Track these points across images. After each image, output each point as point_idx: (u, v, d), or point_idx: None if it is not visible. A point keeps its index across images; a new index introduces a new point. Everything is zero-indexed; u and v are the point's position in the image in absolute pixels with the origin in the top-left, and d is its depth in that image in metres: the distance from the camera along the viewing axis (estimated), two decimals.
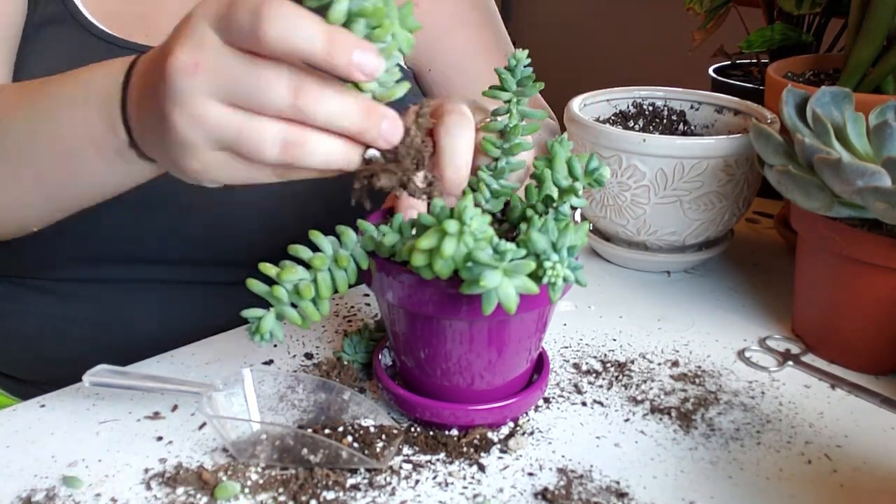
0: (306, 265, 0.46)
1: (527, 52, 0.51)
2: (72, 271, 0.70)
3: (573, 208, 0.49)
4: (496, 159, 0.52)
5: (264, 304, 0.47)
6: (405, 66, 0.82)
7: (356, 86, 0.41)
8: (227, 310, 0.66)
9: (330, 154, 0.41)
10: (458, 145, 0.47)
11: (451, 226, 0.40)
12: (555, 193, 0.49)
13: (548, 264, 0.42)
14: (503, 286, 0.40)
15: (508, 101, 0.52)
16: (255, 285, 0.45)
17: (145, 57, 0.46)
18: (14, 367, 0.75)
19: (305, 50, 0.38)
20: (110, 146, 0.48)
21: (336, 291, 0.46)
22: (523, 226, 0.47)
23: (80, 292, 0.71)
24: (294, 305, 0.46)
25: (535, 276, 0.42)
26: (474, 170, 0.50)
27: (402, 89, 0.43)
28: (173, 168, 0.44)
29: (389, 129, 0.41)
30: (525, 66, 0.51)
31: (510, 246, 0.40)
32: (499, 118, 0.52)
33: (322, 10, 0.39)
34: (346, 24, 0.40)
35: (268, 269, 0.45)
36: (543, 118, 0.54)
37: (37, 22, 0.70)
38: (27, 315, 0.72)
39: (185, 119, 0.40)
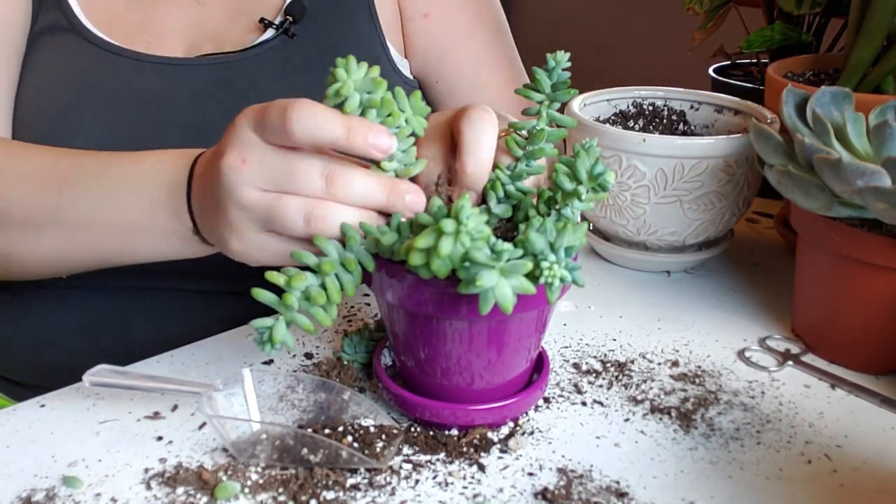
0: (312, 270, 0.46)
1: (567, 55, 0.50)
2: (66, 278, 0.70)
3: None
4: (517, 159, 0.51)
5: (265, 311, 0.47)
6: (412, 77, 0.82)
7: (379, 166, 0.47)
8: (223, 318, 0.66)
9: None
10: (481, 137, 0.48)
11: (448, 225, 0.40)
12: (559, 196, 0.49)
13: (545, 264, 0.42)
14: (500, 286, 0.40)
15: (540, 103, 0.51)
16: (262, 295, 0.45)
17: (205, 156, 0.53)
18: (10, 371, 0.75)
19: (328, 138, 0.45)
20: (174, 232, 0.55)
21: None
22: (523, 226, 0.47)
23: (74, 299, 0.71)
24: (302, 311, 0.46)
25: (533, 277, 0.42)
26: (492, 167, 0.50)
27: (420, 166, 0.49)
28: (220, 246, 0.51)
29: (413, 201, 0.47)
30: (563, 70, 0.50)
31: (507, 246, 0.40)
32: (528, 119, 0.52)
33: (340, 106, 0.46)
34: (361, 115, 0.46)
35: (275, 277, 0.45)
36: (573, 125, 0.54)
37: (37, 31, 0.70)
38: (21, 320, 0.72)
39: (234, 208, 0.47)
